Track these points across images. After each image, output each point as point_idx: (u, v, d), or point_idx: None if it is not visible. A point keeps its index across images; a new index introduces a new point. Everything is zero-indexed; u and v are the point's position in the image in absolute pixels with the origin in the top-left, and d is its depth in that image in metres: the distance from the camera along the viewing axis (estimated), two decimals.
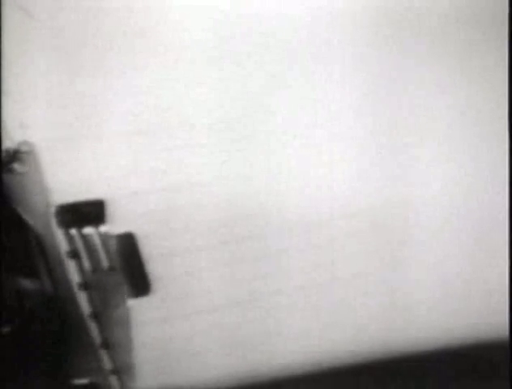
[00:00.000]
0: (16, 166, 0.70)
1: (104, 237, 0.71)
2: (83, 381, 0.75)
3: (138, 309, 0.73)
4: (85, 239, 0.71)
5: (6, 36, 0.68)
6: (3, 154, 0.69)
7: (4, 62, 0.68)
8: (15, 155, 0.69)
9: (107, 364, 0.74)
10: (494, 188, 0.76)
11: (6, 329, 0.72)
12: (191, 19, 0.70)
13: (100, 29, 0.69)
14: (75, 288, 0.72)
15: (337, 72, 0.73)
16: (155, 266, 0.72)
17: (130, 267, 0.71)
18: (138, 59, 0.70)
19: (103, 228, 0.71)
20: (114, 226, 0.71)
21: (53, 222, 0.70)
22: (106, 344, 0.74)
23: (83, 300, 0.72)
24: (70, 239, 0.71)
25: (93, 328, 0.73)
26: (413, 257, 0.76)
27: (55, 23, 0.68)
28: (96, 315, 0.73)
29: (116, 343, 0.74)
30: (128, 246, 0.71)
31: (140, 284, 0.72)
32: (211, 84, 0.71)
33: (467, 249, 0.77)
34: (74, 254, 0.71)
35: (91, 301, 0.72)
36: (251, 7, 0.71)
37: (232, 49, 0.71)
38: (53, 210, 0.70)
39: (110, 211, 0.70)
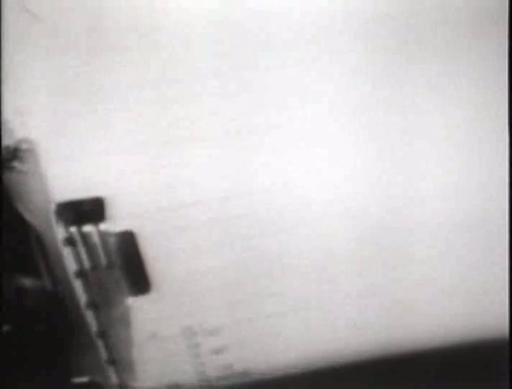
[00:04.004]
0: (16, 164, 0.70)
1: (104, 235, 0.71)
2: (83, 379, 0.75)
3: (139, 306, 0.73)
4: (85, 237, 0.71)
5: (7, 35, 0.68)
6: (3, 152, 0.69)
7: (5, 61, 0.69)
8: (15, 152, 0.69)
9: (107, 362, 0.74)
10: (494, 188, 0.76)
11: (5, 328, 0.72)
12: (195, 20, 0.70)
13: (104, 29, 0.69)
14: (75, 286, 0.72)
15: (336, 73, 0.73)
16: (155, 264, 0.72)
17: (129, 265, 0.72)
18: (140, 60, 0.70)
19: (102, 226, 0.71)
20: (114, 224, 0.71)
21: (53, 220, 0.70)
22: (106, 342, 0.74)
23: (82, 298, 0.72)
24: (70, 237, 0.71)
25: (93, 326, 0.73)
26: (412, 257, 0.76)
27: (59, 23, 0.68)
28: (96, 313, 0.73)
29: (116, 341, 0.74)
30: (128, 244, 0.71)
31: (140, 282, 0.72)
32: (212, 86, 0.71)
33: (467, 249, 0.77)
34: (74, 252, 0.71)
35: (91, 299, 0.72)
36: (253, 7, 0.71)
37: (232, 48, 0.71)
38: (52, 207, 0.70)
39: (110, 208, 0.70)
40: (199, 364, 0.75)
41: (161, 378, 0.75)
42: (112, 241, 0.71)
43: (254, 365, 0.76)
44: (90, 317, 0.73)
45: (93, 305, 0.73)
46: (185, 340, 0.74)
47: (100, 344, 0.74)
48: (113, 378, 0.75)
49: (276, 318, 0.75)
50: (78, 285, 0.72)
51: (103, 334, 0.73)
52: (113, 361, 0.74)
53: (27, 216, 0.72)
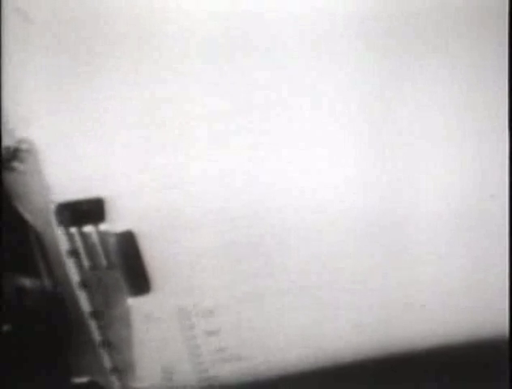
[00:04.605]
0: (16, 164, 0.70)
1: (104, 236, 0.71)
2: (83, 379, 0.75)
3: (138, 307, 0.73)
4: (85, 237, 0.71)
5: (5, 37, 0.68)
6: (3, 152, 0.69)
7: (4, 62, 0.69)
8: (15, 153, 0.69)
9: (107, 362, 0.74)
10: (494, 188, 0.76)
11: (6, 327, 0.72)
12: (193, 20, 0.70)
13: (102, 30, 0.69)
14: (75, 287, 0.72)
15: (335, 72, 0.73)
16: (155, 264, 0.72)
17: (129, 265, 0.71)
18: (138, 59, 0.70)
19: (102, 227, 0.71)
20: (114, 224, 0.71)
21: (53, 220, 0.70)
22: (106, 343, 0.74)
23: (82, 298, 0.72)
24: (70, 237, 0.71)
25: (93, 326, 0.73)
26: (412, 257, 0.76)
27: (57, 24, 0.68)
28: (96, 314, 0.73)
29: (116, 341, 0.74)
30: (128, 244, 0.71)
31: (140, 282, 0.72)
32: (212, 85, 0.71)
33: (467, 248, 0.77)
34: (74, 253, 0.71)
35: (91, 299, 0.72)
36: (252, 9, 0.71)
37: (232, 48, 0.71)
38: (52, 208, 0.70)
39: (110, 209, 0.70)
40: (194, 346, 0.74)
41: (156, 360, 0.75)
42: (112, 241, 0.71)
43: (248, 349, 0.75)
44: (90, 317, 0.73)
45: (93, 305, 0.73)
46: (179, 322, 0.74)
47: (100, 343, 0.74)
48: (113, 378, 0.75)
49: (273, 301, 0.75)
50: (77, 285, 0.72)
51: (103, 333, 0.73)
52: (113, 361, 0.74)
53: (27, 216, 0.72)
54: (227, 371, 0.75)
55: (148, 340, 0.74)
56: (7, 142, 0.69)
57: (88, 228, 0.71)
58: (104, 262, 0.71)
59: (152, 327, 0.74)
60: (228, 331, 0.74)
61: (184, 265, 0.72)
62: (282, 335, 0.75)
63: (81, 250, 0.71)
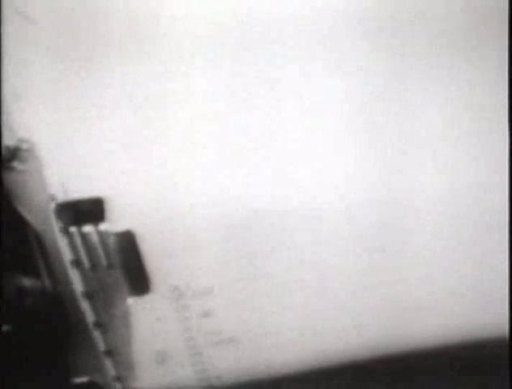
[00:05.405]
0: (16, 164, 0.70)
1: (104, 235, 0.71)
2: (83, 379, 0.75)
3: (138, 307, 0.73)
4: (84, 237, 0.71)
5: (5, 37, 0.69)
6: (3, 151, 0.69)
7: (4, 62, 0.69)
8: (15, 152, 0.70)
9: (107, 362, 0.74)
10: (493, 188, 0.76)
11: (5, 328, 0.72)
12: (193, 21, 0.70)
13: (101, 30, 0.69)
14: (75, 286, 0.72)
15: (335, 72, 0.73)
16: (155, 264, 0.72)
17: (129, 265, 0.72)
18: (138, 59, 0.70)
19: (102, 226, 0.71)
20: (114, 224, 0.71)
21: (53, 220, 0.70)
22: (106, 343, 0.74)
23: (82, 298, 0.72)
24: (70, 237, 0.71)
25: (93, 326, 0.73)
26: (412, 257, 0.76)
27: (54, 25, 0.69)
28: (96, 313, 0.73)
29: (116, 341, 0.74)
30: (127, 244, 0.71)
31: (140, 282, 0.72)
32: (211, 86, 0.71)
33: (467, 248, 0.77)
34: (74, 253, 0.71)
35: (90, 298, 0.72)
36: (254, 7, 0.71)
37: (231, 49, 0.71)
38: (52, 208, 0.70)
39: (110, 209, 0.70)
40: (187, 328, 0.74)
41: (149, 342, 0.74)
42: (112, 241, 0.71)
43: (243, 332, 0.75)
44: (90, 317, 0.73)
45: (93, 305, 0.73)
46: (173, 302, 0.73)
47: (100, 344, 0.74)
48: (113, 378, 0.75)
49: (269, 284, 0.74)
50: (77, 286, 0.72)
51: (103, 334, 0.73)
52: (113, 361, 0.74)
53: (27, 216, 0.72)
54: (221, 353, 0.75)
55: (141, 322, 0.73)
56: (7, 141, 0.70)
57: (88, 228, 0.71)
58: (103, 261, 0.72)
59: (145, 307, 0.73)
60: (223, 313, 0.74)
61: (179, 245, 0.72)
62: (277, 318, 0.75)
63: (81, 250, 0.71)
